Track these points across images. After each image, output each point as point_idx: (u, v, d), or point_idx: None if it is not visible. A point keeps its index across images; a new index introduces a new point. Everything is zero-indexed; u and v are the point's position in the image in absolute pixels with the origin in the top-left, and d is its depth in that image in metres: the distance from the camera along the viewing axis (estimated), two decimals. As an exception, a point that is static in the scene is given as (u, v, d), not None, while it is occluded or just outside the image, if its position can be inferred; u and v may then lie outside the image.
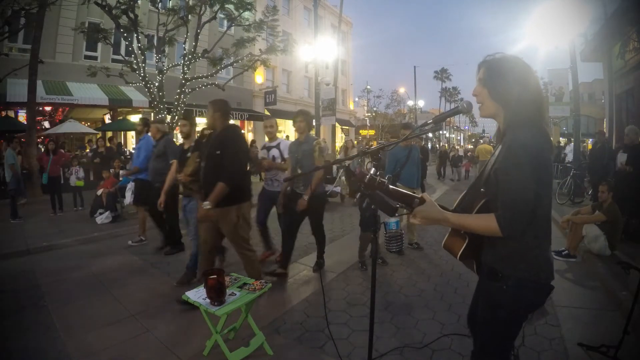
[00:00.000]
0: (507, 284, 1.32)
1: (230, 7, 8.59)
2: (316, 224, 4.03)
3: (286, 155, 4.13)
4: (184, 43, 8.80)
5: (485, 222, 1.29)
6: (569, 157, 12.55)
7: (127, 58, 8.48)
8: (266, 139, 4.51)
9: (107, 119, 14.59)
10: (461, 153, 21.05)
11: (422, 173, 6.98)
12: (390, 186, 1.45)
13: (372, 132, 33.08)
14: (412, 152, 4.84)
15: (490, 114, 1.42)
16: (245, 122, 19.86)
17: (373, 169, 1.48)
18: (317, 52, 14.31)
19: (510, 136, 1.31)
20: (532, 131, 1.29)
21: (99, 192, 6.89)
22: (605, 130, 10.26)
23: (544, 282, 1.33)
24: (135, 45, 8.33)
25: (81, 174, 7.99)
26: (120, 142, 14.61)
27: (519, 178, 1.24)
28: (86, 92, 12.52)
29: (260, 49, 9.70)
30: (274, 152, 4.30)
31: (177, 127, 10.66)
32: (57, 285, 3.79)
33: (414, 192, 1.51)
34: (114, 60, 12.77)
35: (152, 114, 8.85)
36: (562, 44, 9.81)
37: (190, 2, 8.85)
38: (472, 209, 1.39)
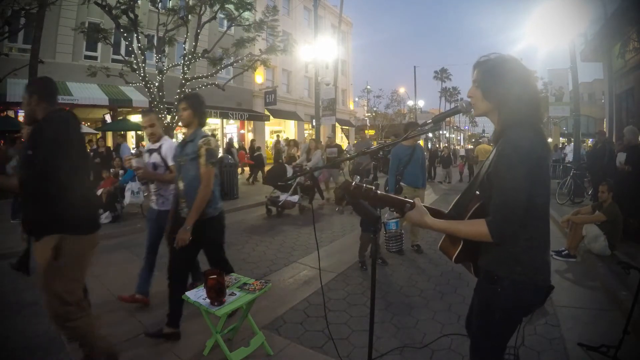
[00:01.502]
0: (503, 286, 1.32)
1: (230, 7, 8.59)
2: (216, 258, 2.87)
3: (170, 162, 3.12)
4: (184, 43, 8.80)
5: (476, 228, 1.29)
6: (569, 157, 12.57)
7: (127, 58, 8.48)
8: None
9: (107, 119, 14.60)
10: (462, 153, 20.90)
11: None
12: (379, 192, 1.45)
13: (372, 132, 33.11)
14: (416, 152, 4.78)
15: (484, 113, 1.41)
16: (245, 122, 19.86)
17: (358, 177, 1.49)
18: (317, 52, 14.31)
19: (503, 137, 1.31)
20: (527, 132, 1.27)
21: (99, 192, 6.89)
22: (605, 130, 10.27)
23: (540, 283, 1.33)
24: (135, 45, 8.33)
25: (81, 173, 7.96)
26: (120, 142, 14.60)
27: (510, 179, 1.23)
28: (86, 92, 12.52)
29: (260, 49, 9.70)
30: (155, 157, 3.20)
31: (178, 127, 10.70)
32: (57, 285, 3.79)
33: (417, 193, 1.53)
34: (114, 60, 12.77)
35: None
36: (562, 44, 9.82)
37: (190, 2, 8.84)
38: (467, 212, 1.39)
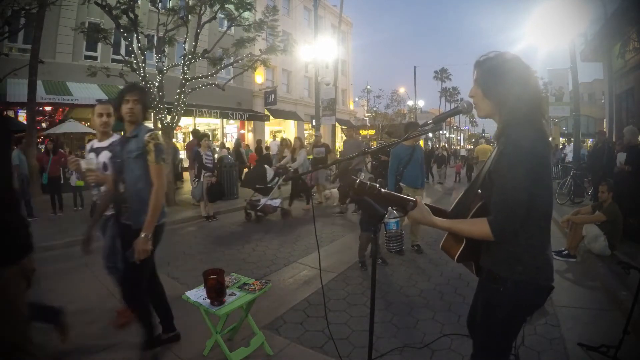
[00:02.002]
0: (505, 286, 1.32)
1: (230, 7, 8.58)
2: (135, 277, 2.33)
3: None
4: (184, 43, 8.79)
5: (478, 227, 1.29)
6: (569, 157, 12.58)
7: (127, 58, 8.47)
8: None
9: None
10: (464, 153, 20.85)
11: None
12: (383, 190, 1.45)
13: (372, 132, 33.10)
14: (416, 152, 4.78)
15: (486, 114, 1.41)
16: (245, 122, 19.86)
17: (362, 174, 1.49)
18: (317, 52, 14.32)
19: (504, 136, 1.30)
20: (527, 130, 1.27)
21: (99, 192, 6.89)
22: (605, 130, 10.28)
23: (542, 283, 1.32)
24: (135, 45, 8.32)
25: (81, 174, 8.00)
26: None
27: (511, 178, 1.23)
28: (86, 92, 12.52)
29: (260, 49, 9.69)
30: (105, 156, 2.82)
31: (178, 127, 10.67)
32: (56, 285, 3.79)
33: (416, 193, 1.52)
34: (114, 60, 12.75)
35: (152, 114, 8.85)
36: (562, 44, 9.82)
37: (190, 2, 8.84)
38: (469, 211, 1.39)
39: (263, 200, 6.85)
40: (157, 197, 2.28)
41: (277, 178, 7.10)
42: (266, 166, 7.30)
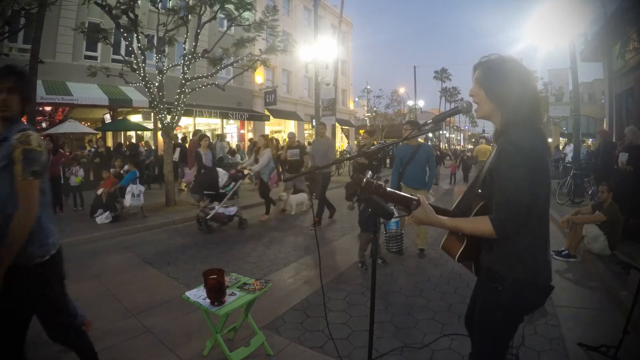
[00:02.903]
0: (504, 285, 1.33)
1: (230, 7, 8.58)
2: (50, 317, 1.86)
3: None
4: (184, 43, 8.79)
5: (480, 225, 1.30)
6: (569, 157, 12.57)
7: (127, 58, 8.46)
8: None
9: (107, 118, 14.61)
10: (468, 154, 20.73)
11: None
12: (388, 189, 1.46)
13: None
14: (419, 152, 4.66)
15: (487, 114, 1.42)
16: (245, 122, 19.86)
17: (370, 172, 1.49)
18: (317, 52, 14.32)
19: (504, 136, 1.32)
20: (527, 131, 1.29)
21: (99, 192, 6.90)
22: (605, 129, 10.28)
23: (541, 283, 1.33)
24: (135, 45, 8.32)
25: (81, 173, 8.07)
26: (120, 142, 14.62)
27: (512, 179, 1.25)
28: (86, 92, 12.53)
29: (260, 49, 9.69)
30: None
31: (178, 127, 10.66)
32: (57, 285, 3.80)
33: (413, 194, 1.52)
34: (114, 60, 12.76)
35: (152, 114, 8.85)
36: (562, 44, 9.82)
37: (190, 2, 8.84)
38: (470, 211, 1.40)
39: (216, 207, 6.06)
40: (20, 224, 1.60)
41: (232, 183, 6.31)
42: (219, 169, 6.53)
